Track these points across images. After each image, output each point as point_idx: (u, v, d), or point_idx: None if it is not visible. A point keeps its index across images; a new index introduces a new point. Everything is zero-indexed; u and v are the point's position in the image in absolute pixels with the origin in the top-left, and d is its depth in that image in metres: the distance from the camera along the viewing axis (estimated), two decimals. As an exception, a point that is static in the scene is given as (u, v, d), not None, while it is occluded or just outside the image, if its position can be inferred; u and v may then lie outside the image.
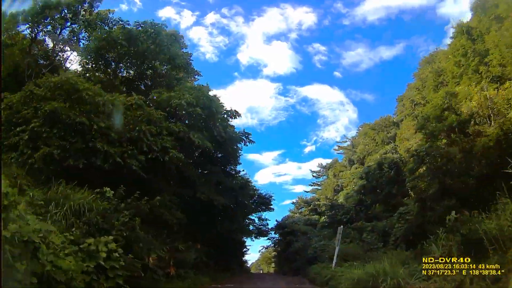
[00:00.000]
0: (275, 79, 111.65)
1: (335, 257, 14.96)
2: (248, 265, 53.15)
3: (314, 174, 60.36)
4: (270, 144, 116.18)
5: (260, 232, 35.51)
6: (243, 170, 24.39)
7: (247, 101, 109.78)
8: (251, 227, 34.50)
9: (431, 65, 34.82)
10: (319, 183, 57.57)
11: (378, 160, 26.07)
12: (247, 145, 20.11)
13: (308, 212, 48.27)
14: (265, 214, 35.12)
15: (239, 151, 22.19)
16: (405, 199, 22.89)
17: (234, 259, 27.85)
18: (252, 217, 34.68)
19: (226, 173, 20.20)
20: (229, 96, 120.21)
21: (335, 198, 48.90)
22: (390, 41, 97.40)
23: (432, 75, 31.39)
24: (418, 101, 36.23)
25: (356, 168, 48.64)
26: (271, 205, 33.69)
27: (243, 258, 40.58)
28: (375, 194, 25.18)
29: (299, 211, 51.04)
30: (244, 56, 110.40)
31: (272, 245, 39.91)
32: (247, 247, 37.31)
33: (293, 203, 55.67)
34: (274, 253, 45.76)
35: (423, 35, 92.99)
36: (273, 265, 52.22)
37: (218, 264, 20.68)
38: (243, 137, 19.70)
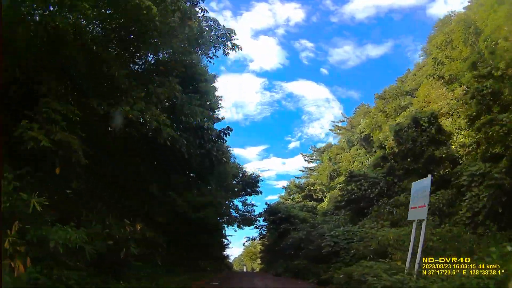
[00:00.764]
0: (261, 74, 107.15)
1: (419, 248, 7.24)
2: (231, 261, 45.60)
3: (306, 159, 53.09)
4: (254, 139, 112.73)
5: (245, 220, 27.79)
6: (223, 118, 16.12)
7: (232, 96, 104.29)
8: (233, 213, 26.85)
9: (458, 16, 29.38)
10: (312, 168, 50.20)
11: (413, 115, 18.58)
12: (228, 53, 11.80)
13: (301, 199, 40.71)
14: (250, 199, 28.12)
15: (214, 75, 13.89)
16: (456, 167, 15.57)
17: (208, 253, 19.75)
18: (236, 202, 27.39)
19: (190, 95, 11.43)
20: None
21: (330, 185, 42.09)
22: (378, 40, 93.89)
23: (460, 26, 26.30)
24: (442, 60, 30.78)
25: (357, 150, 42.12)
26: (259, 187, 26.75)
27: (224, 253, 32.73)
28: (409, 162, 17.77)
29: (291, 197, 43.42)
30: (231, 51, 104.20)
31: (260, 236, 32.09)
32: (228, 238, 29.28)
33: (283, 187, 48.41)
34: (261, 247, 37.64)
35: (412, 35, 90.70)
36: (258, 261, 44.18)
37: (176, 260, 12.65)
38: (222, 38, 11.35)
